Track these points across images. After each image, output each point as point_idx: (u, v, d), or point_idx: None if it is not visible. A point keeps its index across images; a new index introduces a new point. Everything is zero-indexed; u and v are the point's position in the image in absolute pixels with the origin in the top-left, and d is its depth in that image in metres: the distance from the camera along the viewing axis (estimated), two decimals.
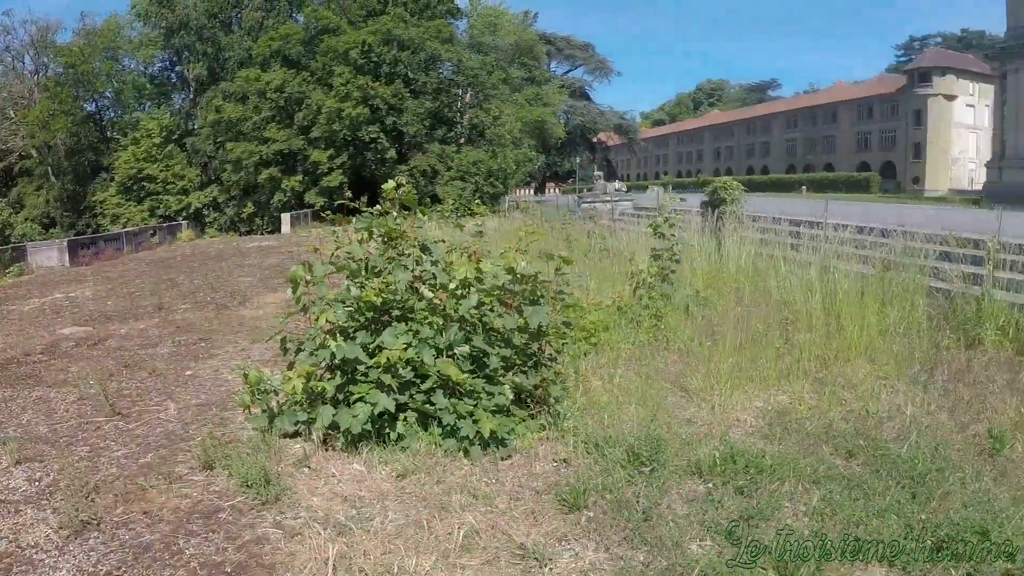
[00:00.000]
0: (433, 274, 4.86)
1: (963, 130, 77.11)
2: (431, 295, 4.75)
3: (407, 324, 4.63)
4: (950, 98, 75.58)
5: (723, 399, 6.16)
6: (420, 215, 5.69)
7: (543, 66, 60.49)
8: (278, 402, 4.88)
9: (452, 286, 4.77)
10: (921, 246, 10.71)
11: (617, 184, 32.87)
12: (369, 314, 4.68)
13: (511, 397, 4.77)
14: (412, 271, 4.92)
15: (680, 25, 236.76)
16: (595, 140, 73.46)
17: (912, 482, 4.59)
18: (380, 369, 4.33)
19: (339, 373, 4.60)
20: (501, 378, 4.84)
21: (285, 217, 35.47)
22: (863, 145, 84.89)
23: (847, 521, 4.02)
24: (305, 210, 37.64)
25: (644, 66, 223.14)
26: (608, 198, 30.39)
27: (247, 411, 5.06)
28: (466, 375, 4.55)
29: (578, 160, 67.55)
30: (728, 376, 6.50)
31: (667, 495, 4.32)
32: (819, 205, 20.82)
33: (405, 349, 4.37)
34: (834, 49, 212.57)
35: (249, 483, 4.11)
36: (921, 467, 4.77)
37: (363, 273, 4.93)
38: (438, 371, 4.44)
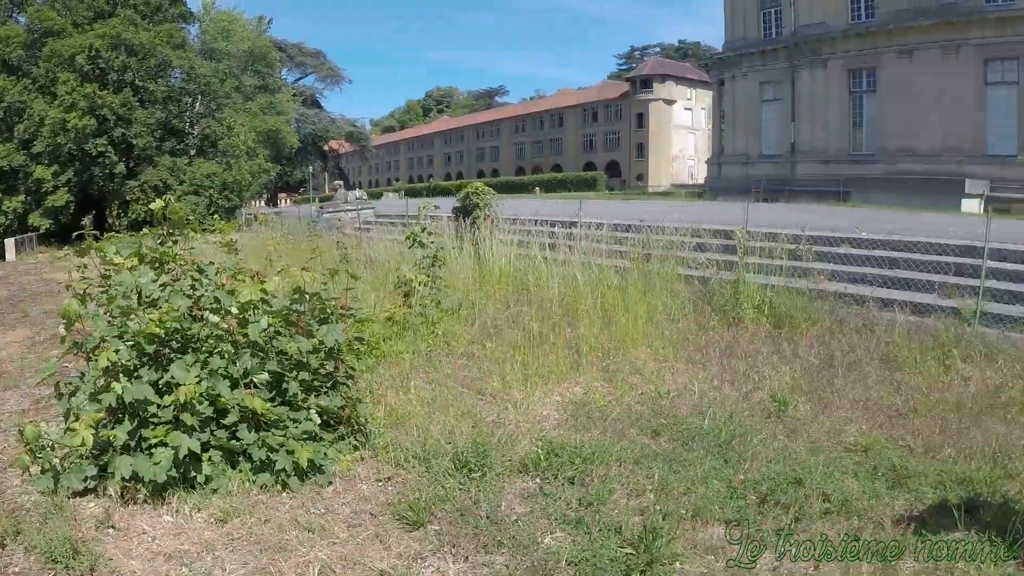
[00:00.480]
0: (216, 299, 4.66)
1: (682, 131, 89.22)
2: (217, 320, 4.57)
3: (195, 355, 4.39)
4: (670, 102, 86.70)
5: (522, 397, 6.45)
6: (192, 234, 5.37)
7: (276, 74, 59.30)
8: (60, 458, 4.25)
9: (235, 310, 4.62)
10: (676, 239, 11.96)
11: (358, 192, 32.99)
12: (152, 348, 4.32)
13: (318, 422, 4.70)
14: (192, 297, 4.70)
15: (409, 33, 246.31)
16: (327, 148, 73.23)
17: (720, 449, 5.19)
18: (174, 408, 4.07)
19: (128, 417, 4.14)
20: (302, 403, 4.72)
21: (9, 243, 32.61)
22: (589, 147, 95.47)
23: (678, 492, 4.43)
24: (30, 234, 35.30)
25: (374, 74, 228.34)
26: (350, 207, 30.32)
27: (26, 472, 4.34)
28: (268, 404, 4.40)
29: (311, 169, 66.81)
30: (520, 375, 6.83)
31: (503, 496, 4.44)
32: (571, 205, 22.51)
33: (199, 383, 4.13)
34: (559, 58, 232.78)
35: (55, 557, 3.51)
36: (724, 435, 5.41)
37: (138, 304, 4.56)
38: (238, 403, 4.26)
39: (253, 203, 54.49)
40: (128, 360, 4.20)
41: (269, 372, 4.54)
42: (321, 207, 32.73)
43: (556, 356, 7.33)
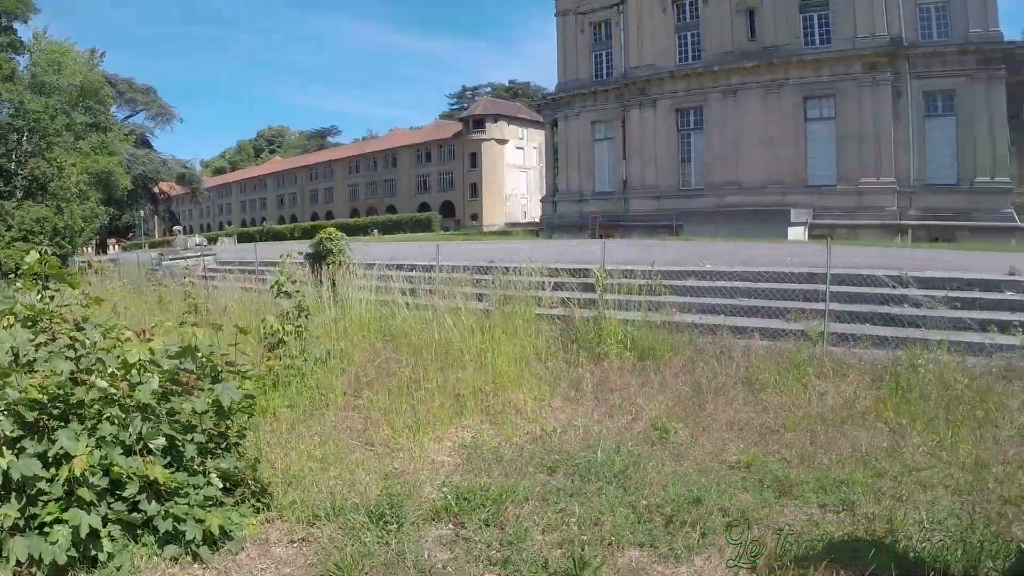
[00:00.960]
0: (99, 359, 4.49)
1: (515, 170, 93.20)
2: (105, 384, 4.35)
3: (81, 422, 4.22)
4: (502, 142, 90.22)
5: (413, 445, 6.61)
6: (70, 289, 5.04)
7: (108, 110, 56.18)
8: None
9: (123, 372, 4.45)
10: (535, 279, 12.56)
11: (198, 238, 31.87)
12: (33, 416, 4.13)
13: (220, 486, 4.66)
14: (72, 359, 4.48)
15: (238, 72, 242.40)
16: (157, 191, 69.96)
17: (617, 479, 5.61)
18: (65, 482, 3.91)
19: (15, 494, 3.96)
20: (199, 467, 4.67)
21: None
22: (423, 187, 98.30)
23: (589, 522, 4.79)
24: None
25: (204, 113, 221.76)
26: (191, 253, 29.24)
27: None
28: (168, 471, 4.32)
29: (142, 213, 63.44)
30: (405, 423, 7.02)
31: (423, 545, 4.60)
32: (423, 247, 22.80)
33: (91, 452, 4.00)
34: (390, 97, 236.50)
35: None
36: (618, 466, 5.85)
37: (14, 367, 4.32)
38: (135, 472, 4.15)
39: (84, 249, 51.54)
40: (11, 431, 4.01)
41: (164, 436, 4.43)
42: (160, 254, 31.30)
43: (439, 401, 7.53)
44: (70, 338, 4.58)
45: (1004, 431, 6.57)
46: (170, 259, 28.74)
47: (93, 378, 4.34)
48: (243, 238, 65.30)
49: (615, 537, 4.56)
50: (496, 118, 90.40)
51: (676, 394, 8.15)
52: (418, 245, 28.99)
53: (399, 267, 18.71)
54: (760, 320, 11.67)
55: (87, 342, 4.56)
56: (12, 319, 4.51)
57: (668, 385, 8.51)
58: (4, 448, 3.92)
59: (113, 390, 4.36)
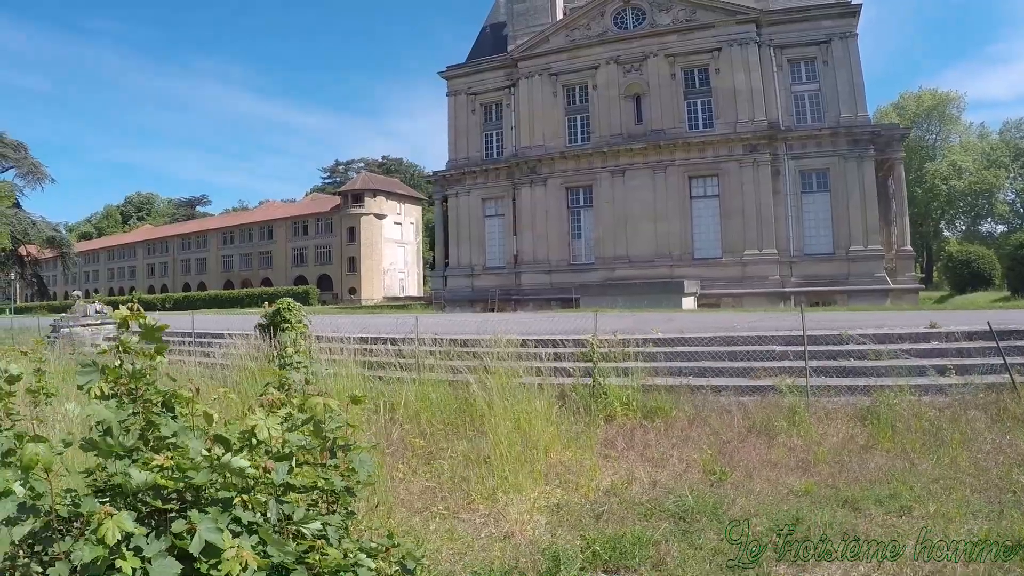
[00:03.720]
0: (219, 435, 3.94)
1: (393, 244, 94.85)
2: (245, 463, 3.69)
3: (216, 510, 3.55)
4: (381, 217, 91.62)
5: (496, 510, 7.26)
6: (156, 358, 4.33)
7: None
8: None
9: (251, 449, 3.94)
10: (532, 350, 13.74)
11: (98, 306, 30.55)
12: (166, 504, 3.64)
13: (372, 567, 4.11)
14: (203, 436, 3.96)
15: (105, 136, 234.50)
16: (24, 253, 65.96)
17: (710, 515, 6.83)
18: None
19: None
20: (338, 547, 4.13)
21: None
22: (300, 260, 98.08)
23: (718, 552, 6.00)
24: None
25: (66, 174, 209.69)
26: (91, 320, 28.41)
27: None
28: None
29: (13, 276, 59.62)
30: (478, 492, 7.71)
31: None
32: (345, 319, 23.26)
33: (252, 545, 3.39)
34: (259, 168, 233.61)
35: None
36: (703, 505, 7.06)
37: (139, 446, 3.87)
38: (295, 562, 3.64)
39: None
40: (137, 530, 3.24)
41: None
42: (57, 319, 30.01)
43: (500, 469, 8.17)
44: (160, 408, 4.11)
45: (984, 446, 8.60)
46: (69, 326, 27.79)
47: (229, 457, 3.73)
48: (112, 304, 62.25)
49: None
50: (375, 193, 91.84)
51: (703, 445, 9.52)
52: (333, 317, 29.35)
53: (360, 339, 19.00)
54: (728, 379, 13.32)
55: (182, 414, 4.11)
56: (104, 387, 4.02)
57: (690, 439, 9.91)
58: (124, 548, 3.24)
59: (253, 471, 3.87)
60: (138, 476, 3.47)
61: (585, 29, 47.39)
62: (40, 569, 3.34)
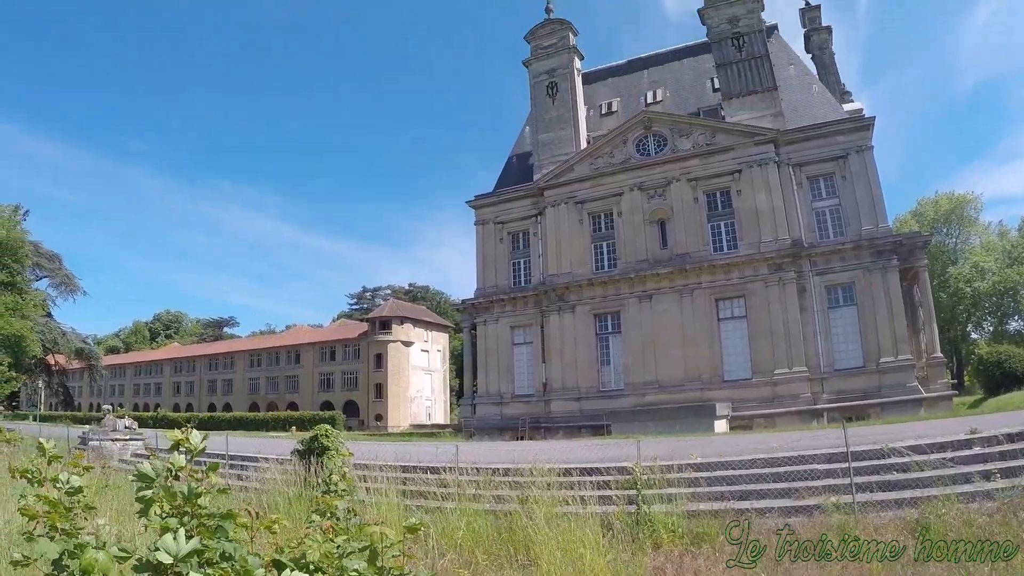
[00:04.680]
0: (279, 560, 3.88)
1: (419, 371, 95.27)
2: None
3: None
4: (408, 344, 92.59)
5: None
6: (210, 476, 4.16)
7: (25, 271, 54.88)
8: None
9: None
10: (574, 479, 13.89)
11: (127, 421, 30.98)
12: None
13: None
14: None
15: (136, 253, 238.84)
16: (53, 363, 66.97)
17: None
18: None
19: None
20: None
21: None
22: (327, 385, 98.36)
23: None
24: None
25: (95, 289, 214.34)
26: (120, 435, 28.78)
27: None
28: None
29: (40, 384, 60.34)
30: None
31: None
32: (379, 447, 23.36)
33: None
34: (285, 293, 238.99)
35: None
36: None
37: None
38: None
39: None
40: None
41: None
42: (86, 431, 30.42)
43: None
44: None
45: None
46: (98, 439, 28.13)
47: None
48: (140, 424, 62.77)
49: None
50: (402, 320, 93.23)
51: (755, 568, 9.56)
52: (366, 444, 29.47)
53: (395, 468, 18.96)
54: (772, 501, 13.37)
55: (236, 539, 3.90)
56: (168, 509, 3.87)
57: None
58: None
59: None
60: None
61: (608, 157, 49.11)
62: None
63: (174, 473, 4.15)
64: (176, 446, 4.15)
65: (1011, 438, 14.24)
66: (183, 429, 4.52)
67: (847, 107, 48.08)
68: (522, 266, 52.43)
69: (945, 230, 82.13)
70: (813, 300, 41.48)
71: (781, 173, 43.51)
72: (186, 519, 3.84)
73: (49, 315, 64.56)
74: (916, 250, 42.26)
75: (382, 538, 4.28)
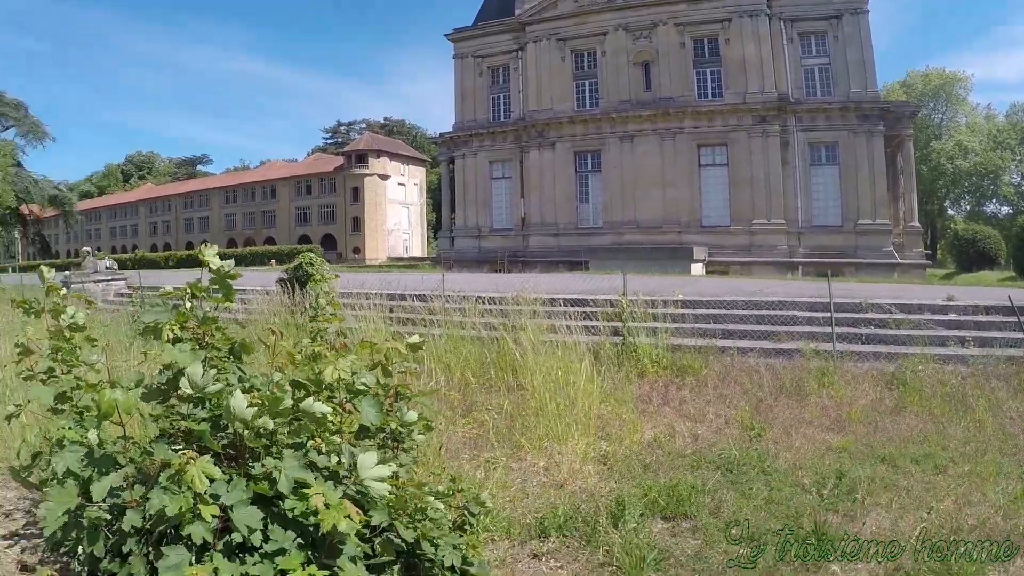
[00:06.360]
0: (299, 381, 3.91)
1: (397, 205, 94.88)
2: (328, 408, 3.61)
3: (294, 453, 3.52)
4: (384, 177, 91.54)
5: (544, 459, 7.48)
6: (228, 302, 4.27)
7: None
8: None
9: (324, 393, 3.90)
10: (560, 309, 14.01)
11: (108, 262, 30.77)
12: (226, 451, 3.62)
13: (440, 507, 4.07)
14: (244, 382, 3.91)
15: (105, 97, 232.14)
16: (27, 212, 65.81)
17: (756, 467, 7.11)
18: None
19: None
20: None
21: None
22: (303, 219, 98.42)
23: (774, 501, 6.37)
24: None
25: (68, 135, 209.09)
26: (101, 277, 28.75)
27: None
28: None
29: (16, 235, 59.64)
30: (527, 440, 7.93)
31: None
32: (362, 277, 23.36)
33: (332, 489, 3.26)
34: (259, 129, 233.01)
35: None
36: (748, 458, 7.40)
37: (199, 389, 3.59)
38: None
39: None
40: (219, 476, 3.18)
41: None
42: (67, 275, 30.30)
43: (542, 419, 8.32)
44: (228, 355, 4.10)
45: (1007, 413, 8.98)
46: (80, 282, 28.05)
47: (310, 401, 3.57)
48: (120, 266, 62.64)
49: (797, 508, 6.05)
50: (379, 154, 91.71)
51: (737, 402, 9.92)
52: (348, 274, 29.35)
53: (386, 296, 18.87)
54: (753, 341, 13.76)
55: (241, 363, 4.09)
56: (177, 329, 3.92)
57: (724, 396, 10.31)
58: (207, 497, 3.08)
59: (333, 416, 3.79)
60: (240, 404, 3.29)
61: None
62: (109, 517, 3.20)
63: (192, 294, 4.29)
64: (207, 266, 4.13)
65: (987, 310, 14.56)
66: (203, 245, 4.43)
67: None
68: (501, 101, 51.29)
69: (932, 104, 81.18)
70: (796, 155, 41.29)
71: (772, 26, 42.25)
72: (198, 350, 3.89)
73: (19, 164, 62.36)
74: (904, 119, 42.00)
75: (395, 353, 4.31)
